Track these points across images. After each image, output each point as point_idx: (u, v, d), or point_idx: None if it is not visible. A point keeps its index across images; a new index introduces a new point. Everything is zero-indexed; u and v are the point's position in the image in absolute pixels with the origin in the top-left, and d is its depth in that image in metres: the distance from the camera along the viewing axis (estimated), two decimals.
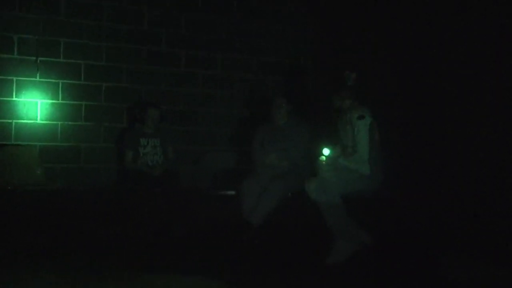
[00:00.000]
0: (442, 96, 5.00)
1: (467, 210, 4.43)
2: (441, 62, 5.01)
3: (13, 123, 5.58)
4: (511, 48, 4.31)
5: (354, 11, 6.22)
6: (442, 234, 4.40)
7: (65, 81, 5.83)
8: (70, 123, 5.86)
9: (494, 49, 4.50)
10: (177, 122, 6.44)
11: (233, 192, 5.31)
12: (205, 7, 6.60)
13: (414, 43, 5.30)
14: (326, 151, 4.26)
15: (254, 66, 6.88)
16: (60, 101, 5.81)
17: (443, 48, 5.00)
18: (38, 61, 5.68)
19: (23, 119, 5.63)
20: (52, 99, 5.77)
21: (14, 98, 5.57)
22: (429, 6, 5.11)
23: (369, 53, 5.76)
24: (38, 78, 5.67)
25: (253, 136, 5.41)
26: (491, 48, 4.53)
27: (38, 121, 5.70)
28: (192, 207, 5.38)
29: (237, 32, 6.78)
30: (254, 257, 4.34)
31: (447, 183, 4.69)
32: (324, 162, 4.25)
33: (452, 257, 3.94)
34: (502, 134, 4.41)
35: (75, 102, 5.90)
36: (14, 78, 5.57)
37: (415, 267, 3.87)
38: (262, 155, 5.21)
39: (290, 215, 4.95)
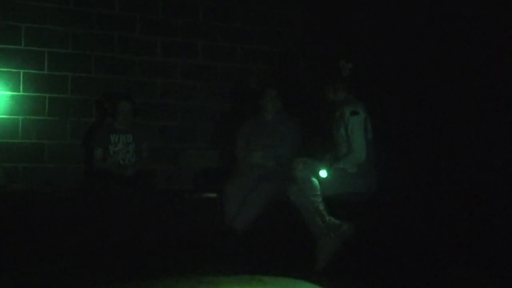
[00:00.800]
0: (447, 91, 4.78)
1: (473, 214, 4.21)
2: (446, 55, 4.78)
3: None
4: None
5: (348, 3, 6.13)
6: (447, 241, 4.19)
7: (26, 70, 5.61)
8: (32, 117, 5.63)
9: (494, 43, 4.33)
10: (153, 117, 6.20)
11: (215, 195, 5.23)
12: None
13: (417, 33, 5.10)
14: (323, 173, 4.14)
15: (239, 54, 6.66)
16: (21, 93, 5.59)
17: (448, 40, 4.78)
18: None
19: None
20: (13, 91, 5.55)
21: None
22: None
23: (368, 42, 5.61)
24: None
25: (238, 132, 5.31)
26: (491, 42, 4.37)
27: None
28: (169, 211, 5.18)
29: (219, 17, 6.62)
30: (239, 266, 4.19)
31: (453, 185, 4.49)
32: (298, 165, 4.16)
33: (458, 266, 3.80)
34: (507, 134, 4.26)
35: (38, 94, 5.68)
36: None
37: (418, 276, 3.77)
38: (247, 154, 5.09)
39: (278, 220, 4.78)
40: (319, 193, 4.07)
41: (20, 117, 5.54)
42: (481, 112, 4.48)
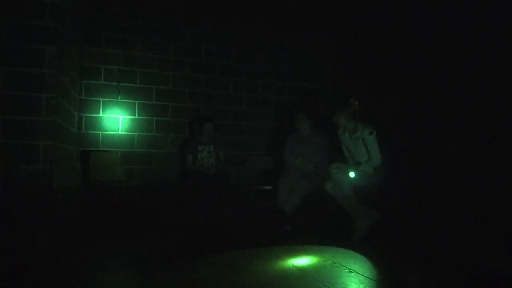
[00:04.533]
0: (423, 116, 5.23)
1: (453, 199, 4.55)
2: (427, 97, 5.21)
3: (100, 134, 6.11)
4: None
5: (361, 54, 6.61)
6: (432, 219, 4.57)
7: (140, 101, 6.35)
8: (144, 134, 6.33)
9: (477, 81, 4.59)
10: (227, 133, 6.88)
11: (270, 187, 5.55)
12: (248, 45, 7.06)
13: (403, 84, 5.58)
14: (352, 174, 4.45)
15: (285, 90, 7.34)
16: (136, 117, 6.31)
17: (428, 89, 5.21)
18: (120, 86, 6.19)
19: (108, 131, 6.16)
20: (131, 115, 6.28)
21: (101, 115, 6.13)
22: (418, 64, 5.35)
23: (369, 87, 6.02)
24: (119, 99, 6.22)
25: (284, 144, 5.61)
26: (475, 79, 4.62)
27: (120, 132, 6.21)
28: (239, 199, 5.71)
29: (272, 64, 7.25)
30: (287, 238, 4.42)
31: (435, 179, 4.88)
32: (333, 170, 4.46)
33: (440, 237, 4.12)
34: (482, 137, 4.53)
35: (148, 118, 6.39)
36: (101, 99, 6.16)
37: (413, 244, 4.05)
38: (291, 159, 5.40)
39: (314, 206, 5.15)
40: (349, 187, 4.38)
41: (136, 134, 6.26)
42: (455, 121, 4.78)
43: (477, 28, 4.55)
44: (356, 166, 4.58)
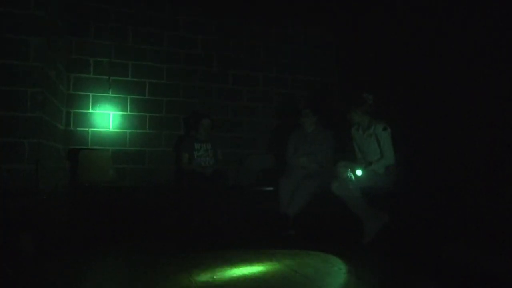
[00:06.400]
0: (439, 111, 5.29)
1: (467, 203, 4.60)
2: (436, 86, 5.31)
3: (90, 131, 6.12)
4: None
5: (370, 45, 6.70)
6: (444, 221, 4.65)
7: (132, 96, 6.41)
8: (136, 131, 6.41)
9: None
10: (225, 130, 6.98)
11: (271, 188, 5.60)
12: (248, 34, 7.15)
13: (414, 73, 5.71)
14: (359, 172, 4.52)
15: (288, 83, 7.39)
16: (128, 113, 6.37)
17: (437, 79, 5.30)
18: (110, 80, 6.22)
19: (98, 128, 6.19)
20: (122, 111, 6.33)
21: (90, 110, 6.14)
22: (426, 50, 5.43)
23: (382, 79, 6.15)
24: (110, 94, 6.25)
25: (287, 141, 5.73)
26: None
27: (110, 129, 6.25)
28: (237, 201, 5.75)
29: (275, 55, 7.32)
30: (290, 242, 4.59)
31: (449, 181, 4.95)
32: (341, 168, 4.54)
33: (451, 242, 4.18)
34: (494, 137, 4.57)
35: (141, 114, 6.45)
36: (90, 94, 6.16)
37: (424, 248, 4.13)
38: (295, 158, 5.53)
39: (320, 208, 5.26)
40: (358, 187, 4.44)
41: (128, 131, 6.31)
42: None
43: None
44: (366, 165, 4.64)
